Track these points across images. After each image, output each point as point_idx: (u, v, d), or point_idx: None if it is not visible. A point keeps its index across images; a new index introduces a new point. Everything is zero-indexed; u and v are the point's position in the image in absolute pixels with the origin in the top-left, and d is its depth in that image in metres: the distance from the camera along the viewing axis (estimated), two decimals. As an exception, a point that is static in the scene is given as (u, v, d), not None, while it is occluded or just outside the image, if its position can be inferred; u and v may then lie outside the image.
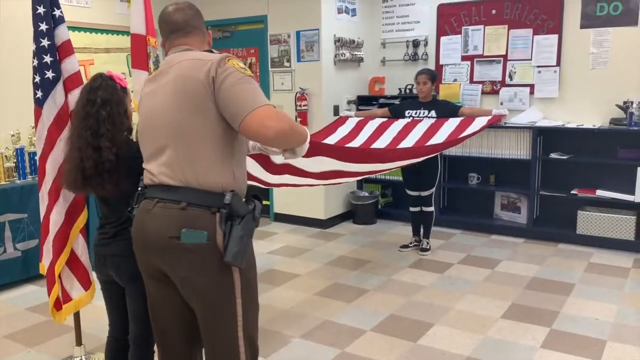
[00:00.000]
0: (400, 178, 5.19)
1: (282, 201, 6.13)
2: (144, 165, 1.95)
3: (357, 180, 6.19)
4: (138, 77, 2.93)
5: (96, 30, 5.31)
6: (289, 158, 2.01)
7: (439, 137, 4.26)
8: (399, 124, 4.59)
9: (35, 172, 3.92)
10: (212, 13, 6.14)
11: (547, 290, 4.07)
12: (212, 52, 1.92)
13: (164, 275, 1.90)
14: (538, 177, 5.41)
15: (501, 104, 5.58)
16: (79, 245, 2.86)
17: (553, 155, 5.25)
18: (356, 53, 6.00)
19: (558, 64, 5.30)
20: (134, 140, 2.14)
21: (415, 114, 4.74)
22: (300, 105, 5.75)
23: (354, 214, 6.14)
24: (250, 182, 3.21)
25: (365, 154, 3.56)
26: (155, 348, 2.15)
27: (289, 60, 5.84)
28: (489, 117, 4.37)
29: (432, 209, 4.98)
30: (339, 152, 2.88)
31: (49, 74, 2.71)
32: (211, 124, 1.79)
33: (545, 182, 5.44)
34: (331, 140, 4.56)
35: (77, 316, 3.01)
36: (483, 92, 5.70)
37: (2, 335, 3.46)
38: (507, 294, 4.01)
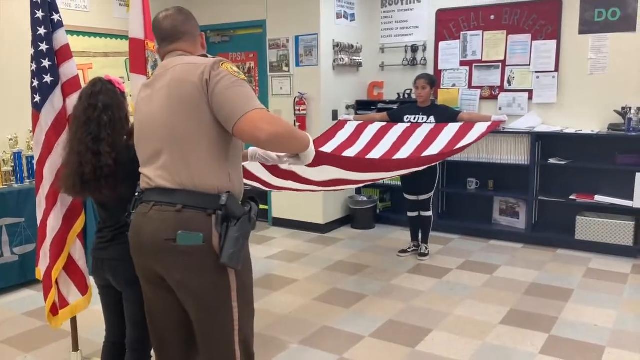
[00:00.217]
0: (399, 183, 5.18)
1: (281, 206, 6.12)
2: (140, 170, 1.96)
3: (356, 185, 6.19)
4: (136, 82, 2.92)
5: (95, 35, 5.30)
6: (292, 164, 2.01)
7: (439, 144, 4.26)
8: (398, 129, 4.59)
9: (33, 177, 3.91)
10: (211, 18, 6.15)
11: (545, 295, 4.06)
12: (206, 56, 1.94)
13: (161, 279, 1.90)
14: (537, 183, 5.41)
15: (500, 109, 5.59)
16: (77, 250, 2.85)
17: (552, 161, 5.25)
18: (355, 58, 6.01)
19: (556, 69, 5.31)
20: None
21: (414, 119, 4.74)
22: (299, 110, 5.75)
23: (353, 218, 6.13)
24: (253, 184, 3.20)
25: (370, 165, 3.57)
26: (153, 353, 2.14)
27: (287, 65, 5.84)
28: (489, 123, 4.37)
29: (430, 213, 4.98)
30: (344, 162, 2.88)
31: (47, 78, 2.70)
32: (206, 127, 1.79)
33: (544, 188, 5.44)
34: (331, 145, 4.56)
35: (74, 321, 2.99)
36: (482, 98, 5.71)
37: (-2, 341, 3.45)
38: (505, 299, 4.00)
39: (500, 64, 5.59)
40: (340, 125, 4.88)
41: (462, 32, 5.75)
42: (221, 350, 1.89)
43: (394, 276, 4.53)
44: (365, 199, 6.14)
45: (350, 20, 5.98)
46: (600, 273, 4.54)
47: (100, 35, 5.35)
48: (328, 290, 4.25)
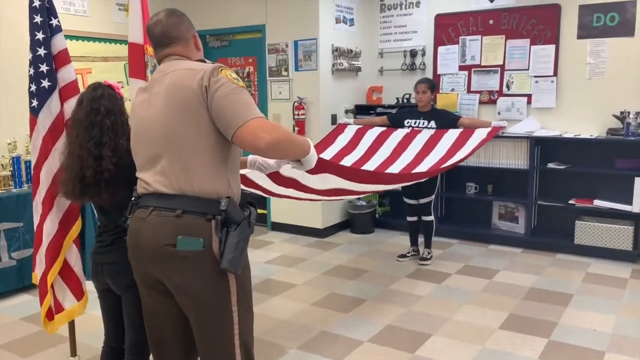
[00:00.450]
0: (398, 187, 5.17)
1: (279, 210, 6.12)
2: (137, 174, 1.95)
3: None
4: (136, 86, 2.92)
5: (94, 39, 5.31)
6: (295, 168, 2.02)
7: (440, 150, 4.26)
8: (398, 135, 4.59)
9: (31, 181, 3.90)
10: (211, 22, 6.16)
11: (545, 300, 4.05)
12: (205, 62, 1.93)
13: (160, 284, 1.89)
14: (536, 187, 5.41)
15: (498, 113, 5.59)
16: (73, 255, 2.83)
17: (550, 165, 5.25)
18: (354, 62, 6.02)
19: (555, 74, 5.32)
20: None
21: (415, 123, 4.74)
22: (298, 115, 5.75)
23: (352, 223, 6.12)
24: (253, 191, 3.19)
25: (372, 176, 3.57)
26: (151, 358, 2.13)
27: (286, 70, 5.84)
28: (489, 130, 4.37)
29: (431, 217, 4.97)
30: (346, 171, 2.87)
31: (45, 83, 2.70)
32: (204, 132, 1.79)
33: (543, 192, 5.44)
34: (331, 151, 4.56)
35: (71, 326, 2.98)
36: (480, 102, 5.71)
37: (-5, 346, 3.43)
38: (505, 304, 3.99)
39: (499, 69, 5.60)
40: (340, 129, 4.88)
41: (461, 37, 5.76)
42: (222, 355, 1.88)
43: (393, 281, 4.52)
44: (364, 203, 6.13)
45: (350, 25, 5.99)
46: (600, 278, 4.53)
47: (100, 39, 5.36)
48: (327, 295, 4.23)
